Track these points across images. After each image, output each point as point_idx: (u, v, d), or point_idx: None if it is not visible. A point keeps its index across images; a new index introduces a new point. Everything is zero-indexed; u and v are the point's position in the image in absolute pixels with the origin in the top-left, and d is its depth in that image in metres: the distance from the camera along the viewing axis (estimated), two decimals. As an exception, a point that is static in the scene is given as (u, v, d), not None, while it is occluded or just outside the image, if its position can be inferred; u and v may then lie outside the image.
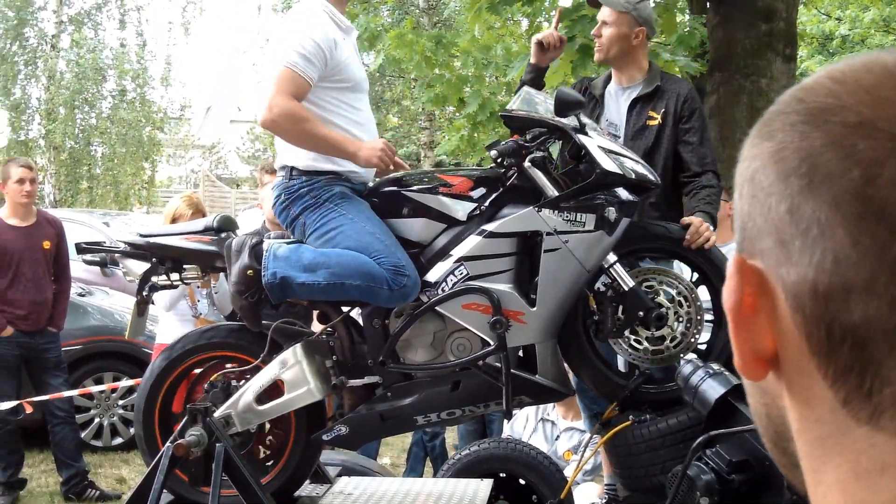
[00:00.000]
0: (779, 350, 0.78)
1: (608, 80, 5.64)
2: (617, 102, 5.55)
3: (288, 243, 4.65)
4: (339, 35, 4.75)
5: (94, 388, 9.38)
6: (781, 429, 0.82)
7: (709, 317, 4.82)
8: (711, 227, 4.86)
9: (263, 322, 4.69)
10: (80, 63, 26.11)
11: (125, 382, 9.36)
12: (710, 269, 4.73)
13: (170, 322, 7.06)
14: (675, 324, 4.65)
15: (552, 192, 4.48)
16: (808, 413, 0.77)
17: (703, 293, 4.81)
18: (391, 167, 4.73)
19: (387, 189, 4.71)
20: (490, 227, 4.47)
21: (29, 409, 8.22)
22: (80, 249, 5.05)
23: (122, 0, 27.60)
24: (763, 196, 0.78)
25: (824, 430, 0.76)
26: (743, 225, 0.82)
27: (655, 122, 5.36)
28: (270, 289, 4.53)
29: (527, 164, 4.54)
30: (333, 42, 4.67)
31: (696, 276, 4.85)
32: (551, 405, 6.95)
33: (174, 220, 6.81)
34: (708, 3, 9.50)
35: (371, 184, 4.89)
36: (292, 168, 4.72)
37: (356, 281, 4.47)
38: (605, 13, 5.47)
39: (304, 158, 4.70)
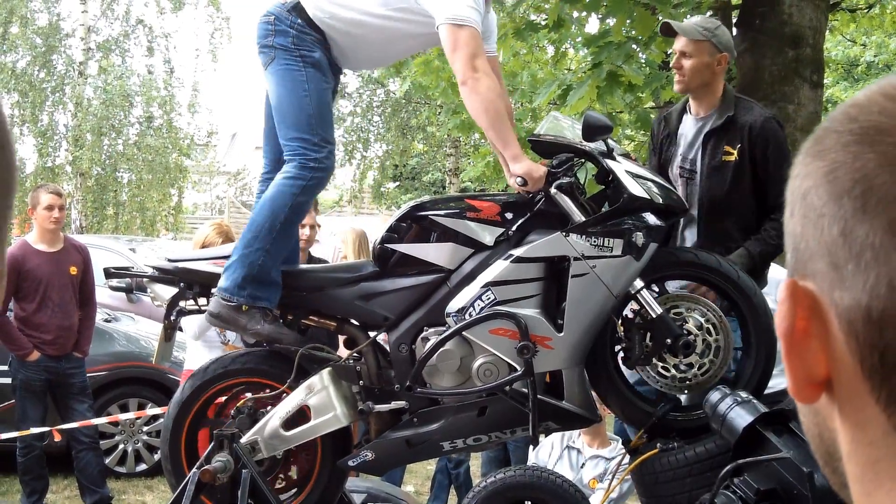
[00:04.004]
0: (832, 374, 0.77)
1: (683, 111, 5.52)
2: (692, 137, 5.41)
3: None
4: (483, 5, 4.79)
5: (122, 416, 9.39)
6: (832, 449, 0.81)
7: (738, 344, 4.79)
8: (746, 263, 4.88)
9: (292, 348, 4.68)
10: (108, 90, 26.26)
11: (151, 410, 9.37)
12: (738, 295, 4.69)
13: (198, 349, 7.07)
14: (704, 351, 4.62)
15: (579, 217, 4.47)
16: (861, 436, 0.76)
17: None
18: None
19: (414, 214, 4.71)
20: (517, 252, 4.46)
21: (58, 438, 8.24)
22: (109, 274, 5.05)
23: (150, 27, 27.77)
24: (815, 217, 0.77)
25: (877, 453, 0.75)
26: (795, 245, 0.80)
27: (732, 158, 5.21)
28: (255, 299, 4.63)
29: (553, 190, 4.53)
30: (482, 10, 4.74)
31: (725, 302, 4.81)
32: (577, 433, 6.91)
33: (203, 248, 6.82)
34: (735, 29, 9.49)
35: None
36: (299, 4, 4.80)
37: (283, 212, 4.65)
38: (682, 43, 5.33)
39: (315, 6, 4.79)
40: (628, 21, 8.88)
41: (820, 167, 0.77)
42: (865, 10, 13.61)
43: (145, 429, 9.77)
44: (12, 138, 0.82)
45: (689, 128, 5.44)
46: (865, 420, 0.75)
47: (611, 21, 9.36)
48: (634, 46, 9.08)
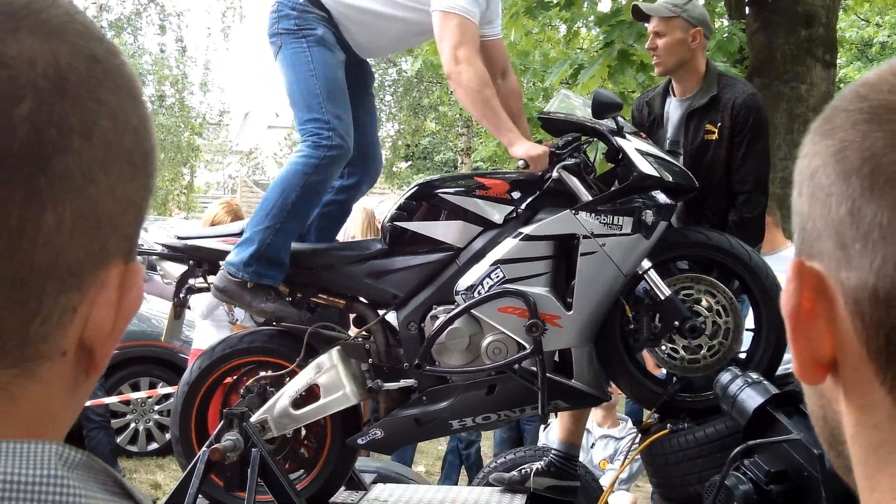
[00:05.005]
0: (837, 355, 0.76)
1: (665, 94, 5.38)
2: (678, 119, 5.27)
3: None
4: None
5: (133, 395, 9.41)
6: (837, 432, 0.80)
7: (750, 325, 4.77)
8: None
9: (299, 326, 4.69)
10: (120, 68, 26.26)
11: (162, 389, 9.38)
12: (750, 277, 4.66)
13: (206, 328, 7.07)
14: (714, 333, 4.59)
15: (587, 197, 4.46)
16: (865, 419, 0.75)
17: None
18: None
19: (424, 191, 4.70)
20: (527, 230, 4.45)
21: (68, 415, 8.25)
22: (118, 251, 5.04)
23: (162, 6, 27.77)
24: (823, 196, 0.75)
25: (881, 436, 0.74)
26: (802, 225, 0.79)
27: (713, 137, 5.09)
28: (260, 276, 4.63)
29: (555, 173, 4.51)
30: None
31: (736, 283, 4.78)
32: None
33: (213, 226, 6.81)
34: (747, 9, 9.45)
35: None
36: None
37: (294, 191, 4.63)
38: (654, 23, 5.21)
39: None
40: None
41: (828, 146, 0.76)
42: (880, -11, 13.53)
43: (157, 408, 9.78)
44: (156, 144, 0.86)
45: (674, 109, 5.31)
46: (870, 403, 0.74)
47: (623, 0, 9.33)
48: (646, 25, 9.03)
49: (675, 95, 5.29)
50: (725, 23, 10.27)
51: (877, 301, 0.70)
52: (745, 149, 5.03)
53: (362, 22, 4.83)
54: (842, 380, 0.77)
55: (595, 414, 7.00)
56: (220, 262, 4.74)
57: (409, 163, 35.47)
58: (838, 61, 11.04)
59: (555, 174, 4.50)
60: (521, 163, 4.54)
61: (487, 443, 9.06)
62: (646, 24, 5.51)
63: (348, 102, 4.75)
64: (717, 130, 5.06)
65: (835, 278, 0.74)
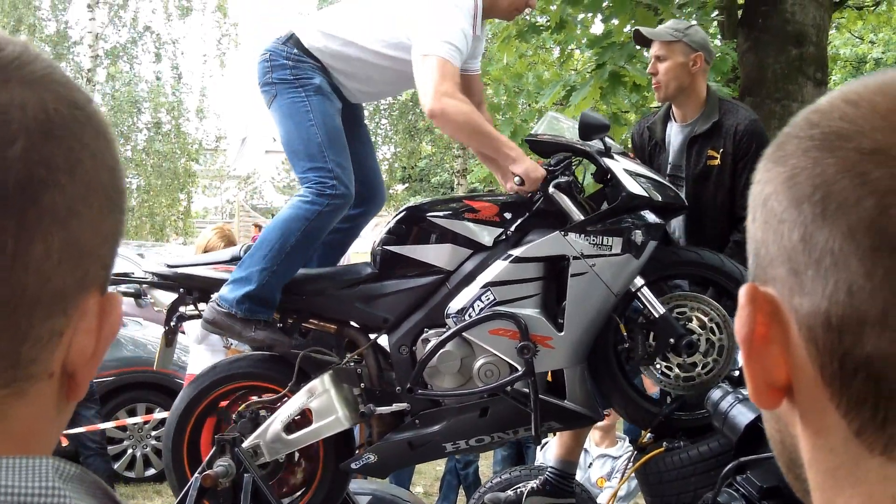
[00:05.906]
0: (792, 380, 0.77)
1: (666, 119, 5.45)
2: (679, 144, 5.34)
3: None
4: (472, 36, 4.81)
5: (129, 421, 9.38)
6: (794, 456, 0.81)
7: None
8: None
9: (291, 351, 4.68)
10: (116, 96, 26.36)
11: (159, 414, 9.36)
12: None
13: (201, 353, 7.06)
14: (708, 350, 4.60)
15: (578, 216, 4.46)
16: (821, 443, 0.76)
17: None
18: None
19: (413, 215, 4.70)
20: (516, 252, 4.45)
21: (65, 442, 8.24)
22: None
23: (158, 34, 27.87)
24: (776, 223, 0.76)
25: (837, 460, 0.75)
26: (756, 251, 0.80)
27: (716, 163, 5.17)
28: (252, 312, 4.63)
29: (550, 190, 4.52)
30: (469, 41, 4.76)
31: (728, 302, 4.78)
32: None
33: (206, 252, 6.80)
34: (738, 28, 9.47)
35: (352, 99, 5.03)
36: (294, 35, 4.84)
37: (294, 235, 4.60)
38: (655, 48, 5.30)
39: (311, 36, 4.82)
40: (631, 21, 8.86)
41: (781, 173, 0.77)
42: (872, 7, 13.56)
43: (153, 433, 9.74)
44: (126, 184, 0.94)
45: (675, 135, 5.37)
46: (826, 427, 0.75)
47: (615, 21, 9.35)
48: (637, 46, 9.06)
49: (675, 121, 5.34)
50: (719, 43, 10.30)
51: (829, 327, 0.71)
52: (748, 175, 5.06)
53: (352, 70, 4.84)
54: (797, 404, 0.77)
55: (593, 434, 7.00)
56: (212, 293, 4.74)
57: (406, 185, 35.52)
58: (833, 79, 11.08)
59: (550, 190, 4.52)
60: (516, 179, 4.55)
61: (486, 462, 9.03)
62: (634, 50, 5.55)
63: (348, 150, 4.76)
64: (719, 156, 5.13)
65: (788, 304, 0.75)
